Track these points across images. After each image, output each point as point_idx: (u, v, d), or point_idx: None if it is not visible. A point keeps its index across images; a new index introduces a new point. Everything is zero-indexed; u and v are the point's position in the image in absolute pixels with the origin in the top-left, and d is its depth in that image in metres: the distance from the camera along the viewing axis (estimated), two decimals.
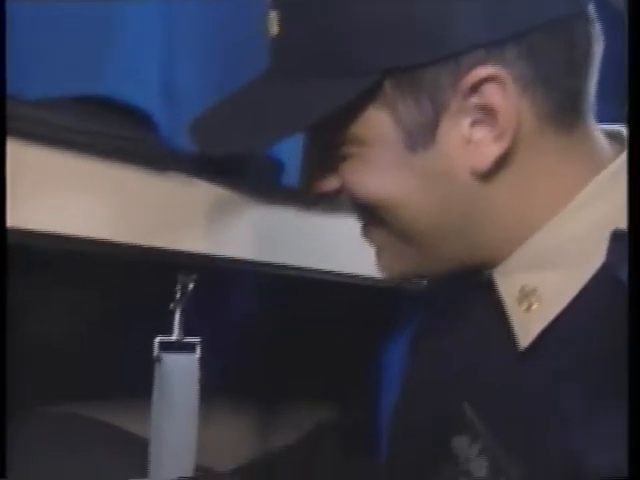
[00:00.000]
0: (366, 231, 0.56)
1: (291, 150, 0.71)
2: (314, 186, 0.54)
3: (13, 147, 0.56)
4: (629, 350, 0.43)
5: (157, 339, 0.70)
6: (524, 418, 0.49)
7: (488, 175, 0.49)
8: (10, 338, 0.95)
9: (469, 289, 0.57)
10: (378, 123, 0.49)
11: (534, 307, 0.49)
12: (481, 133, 0.48)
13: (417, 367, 0.64)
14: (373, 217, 0.53)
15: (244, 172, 0.72)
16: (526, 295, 0.50)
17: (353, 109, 0.49)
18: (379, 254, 0.56)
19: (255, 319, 0.90)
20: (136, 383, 0.73)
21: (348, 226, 0.83)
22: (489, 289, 0.53)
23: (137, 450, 0.98)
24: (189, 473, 0.75)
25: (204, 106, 0.55)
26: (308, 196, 0.56)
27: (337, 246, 0.81)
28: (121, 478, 0.95)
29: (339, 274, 0.81)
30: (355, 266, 0.82)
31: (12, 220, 0.55)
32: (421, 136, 0.49)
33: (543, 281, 0.50)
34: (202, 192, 0.70)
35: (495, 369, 0.52)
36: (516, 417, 0.49)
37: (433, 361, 0.60)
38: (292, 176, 0.73)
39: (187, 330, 0.72)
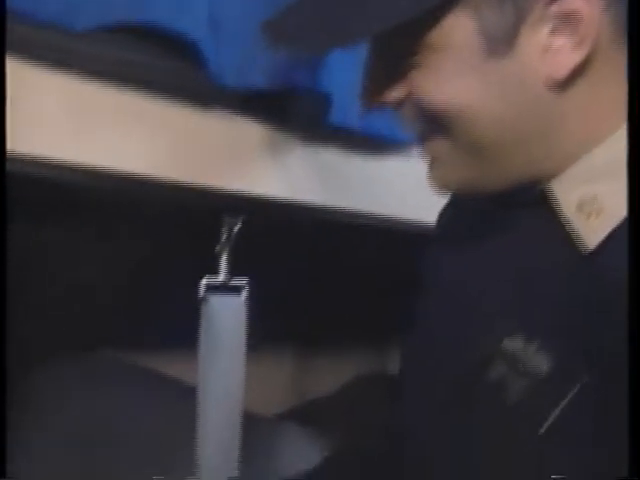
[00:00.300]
0: (426, 142, 0.55)
1: (340, 87, 0.69)
2: (377, 96, 0.53)
3: (63, 81, 0.55)
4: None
5: (203, 280, 0.70)
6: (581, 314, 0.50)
7: (563, 84, 0.49)
8: (53, 281, 0.95)
9: (518, 205, 0.56)
10: (458, 28, 0.49)
11: (595, 215, 0.50)
12: (561, 41, 0.48)
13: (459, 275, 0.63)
14: (438, 127, 0.52)
15: (292, 110, 0.70)
16: (586, 203, 0.50)
17: (435, 14, 0.48)
18: (435, 166, 0.55)
19: (301, 263, 0.89)
20: (183, 326, 0.72)
21: (395, 169, 0.82)
22: (541, 203, 0.53)
23: (184, 396, 0.99)
24: (237, 419, 0.74)
25: (252, 44, 0.54)
26: (369, 106, 0.54)
27: (385, 188, 0.79)
28: (171, 423, 0.96)
29: (387, 219, 0.79)
30: (402, 210, 0.80)
31: (58, 156, 0.55)
32: (501, 42, 0.48)
33: (603, 191, 0.50)
34: (250, 131, 0.68)
35: (552, 273, 0.53)
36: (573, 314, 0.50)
37: (479, 272, 0.59)
38: (341, 114, 0.71)
39: (234, 272, 0.71)
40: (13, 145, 0.52)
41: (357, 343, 1.23)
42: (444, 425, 0.58)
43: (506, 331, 0.52)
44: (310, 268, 0.93)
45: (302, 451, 0.98)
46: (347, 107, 0.69)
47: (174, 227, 0.80)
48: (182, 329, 0.72)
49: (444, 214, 0.68)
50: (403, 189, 0.78)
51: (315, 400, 1.24)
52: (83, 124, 0.58)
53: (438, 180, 0.56)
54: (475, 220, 0.62)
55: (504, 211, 0.58)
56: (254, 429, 0.77)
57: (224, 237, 0.71)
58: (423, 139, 0.55)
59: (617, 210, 0.49)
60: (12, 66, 0.51)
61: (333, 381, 1.23)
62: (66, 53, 0.54)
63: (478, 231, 0.61)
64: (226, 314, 0.70)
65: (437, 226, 0.68)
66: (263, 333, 0.75)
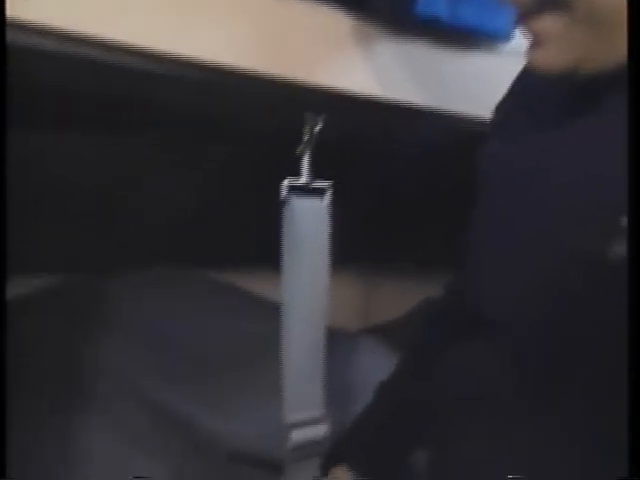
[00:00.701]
0: (533, 19, 0.50)
1: None
2: None
3: None
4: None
5: (285, 181, 0.67)
6: None
7: None
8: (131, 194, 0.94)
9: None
10: None
11: None
12: None
13: None
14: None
15: (380, 1, 0.65)
16: None
17: None
18: (541, 45, 0.50)
19: (385, 167, 0.85)
20: (265, 237, 0.70)
21: (485, 65, 0.76)
22: None
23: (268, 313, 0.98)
24: (320, 333, 0.72)
25: None
26: None
27: (476, 87, 0.73)
28: (256, 340, 0.95)
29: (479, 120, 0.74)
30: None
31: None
32: None
33: None
34: (336, 21, 0.64)
35: None
36: None
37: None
38: (429, 3, 0.66)
39: (316, 175, 0.68)
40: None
41: (429, 265, 1.20)
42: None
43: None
44: (393, 177, 0.88)
45: (381, 364, 0.97)
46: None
47: (253, 129, 0.77)
48: (265, 240, 0.70)
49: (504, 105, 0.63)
50: (493, 87, 0.72)
51: (387, 321, 1.22)
52: (163, 11, 0.55)
53: (543, 61, 0.51)
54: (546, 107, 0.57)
55: (581, 98, 0.53)
56: (334, 341, 0.75)
57: (306, 137, 0.67)
58: (529, 16, 0.50)
59: None
60: None
61: (404, 303, 1.21)
62: None
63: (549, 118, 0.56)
64: (309, 217, 0.67)
65: (496, 117, 0.63)
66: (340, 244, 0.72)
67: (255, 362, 0.94)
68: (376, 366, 0.96)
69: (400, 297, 1.22)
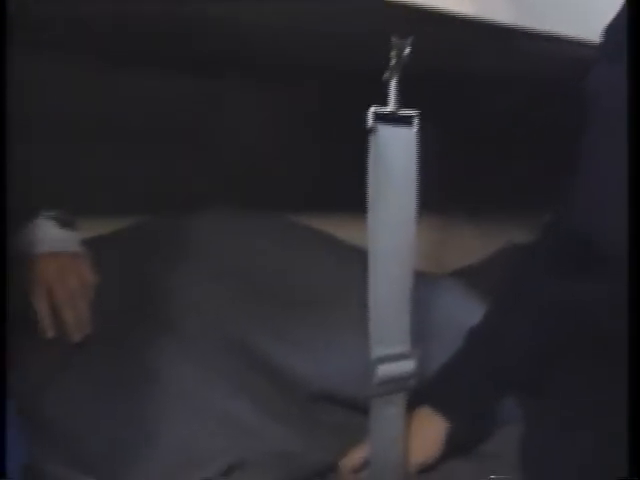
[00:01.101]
0: None
1: None
2: None
3: None
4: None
5: (371, 109, 0.64)
6: None
7: None
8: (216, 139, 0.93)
9: None
10: None
11: None
12: None
13: None
14: None
15: None
16: None
17: None
18: None
19: (475, 97, 0.81)
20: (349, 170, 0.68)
21: None
22: None
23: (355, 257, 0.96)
24: (408, 268, 0.70)
25: None
26: None
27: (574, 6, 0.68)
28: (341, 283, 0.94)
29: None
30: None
31: None
32: None
33: None
34: None
35: None
36: None
37: None
38: None
39: (404, 103, 0.65)
40: None
41: (512, 209, 1.15)
42: None
43: None
44: (483, 109, 0.84)
45: (462, 306, 0.95)
46: None
47: (340, 58, 0.74)
48: (348, 180, 0.68)
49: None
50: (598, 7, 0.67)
51: (467, 265, 1.19)
52: None
53: None
54: None
55: None
56: (419, 284, 0.73)
57: (393, 62, 0.64)
58: None
59: None
60: None
61: (483, 247, 1.17)
62: None
63: None
64: (396, 146, 0.65)
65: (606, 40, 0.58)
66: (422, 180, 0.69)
67: (337, 302, 0.93)
68: (457, 308, 0.94)
69: (480, 241, 1.19)
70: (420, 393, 0.78)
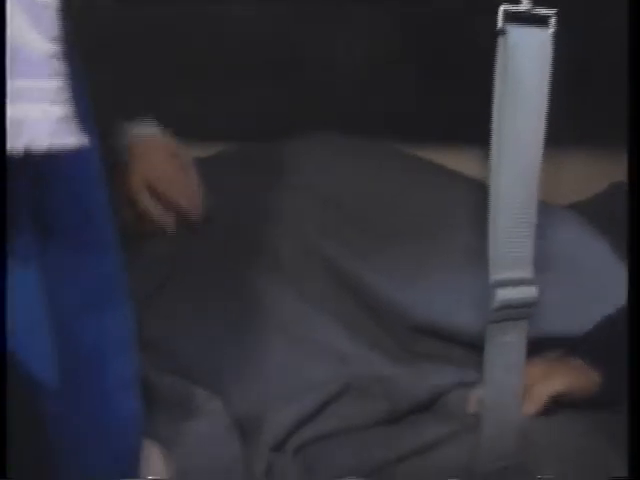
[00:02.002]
0: None
1: None
2: None
3: None
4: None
5: (502, 7, 0.58)
6: None
7: None
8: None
9: None
10: None
11: None
12: None
13: None
14: None
15: None
16: None
17: None
18: None
19: None
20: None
21: None
22: None
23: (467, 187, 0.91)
24: (532, 199, 0.65)
25: None
26: None
27: None
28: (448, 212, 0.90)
29: None
30: None
31: None
32: None
33: None
34: None
35: None
36: None
37: None
38: None
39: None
40: None
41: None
42: None
43: None
44: None
45: (583, 241, 0.90)
46: None
47: None
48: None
49: None
50: None
51: (584, 200, 1.13)
52: None
53: None
54: None
55: None
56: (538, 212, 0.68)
57: None
58: None
59: None
60: None
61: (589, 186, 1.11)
62: None
63: None
64: (528, 48, 0.59)
65: None
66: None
67: (442, 230, 0.89)
68: (574, 241, 0.89)
69: (585, 179, 1.13)
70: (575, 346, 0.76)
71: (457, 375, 0.79)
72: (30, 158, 0.34)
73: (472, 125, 0.93)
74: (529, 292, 0.66)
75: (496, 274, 0.65)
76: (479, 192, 0.67)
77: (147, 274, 0.85)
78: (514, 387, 0.69)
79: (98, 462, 0.53)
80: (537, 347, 0.77)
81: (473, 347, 0.77)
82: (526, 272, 0.66)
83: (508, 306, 0.65)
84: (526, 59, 0.59)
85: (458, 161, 1.02)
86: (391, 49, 1.07)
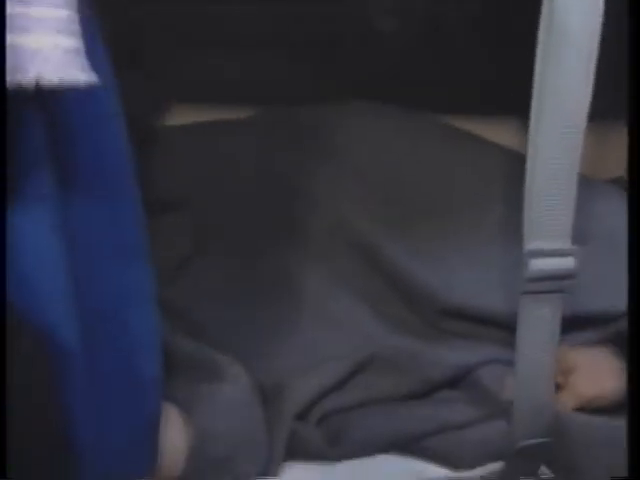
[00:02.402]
0: None
1: None
2: None
3: None
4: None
5: None
6: None
7: None
8: None
9: None
10: None
11: None
12: None
13: None
14: None
15: None
16: None
17: None
18: None
19: None
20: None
21: None
22: None
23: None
24: (574, 169, 0.62)
25: None
26: None
27: None
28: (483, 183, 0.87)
29: None
30: None
31: None
32: None
33: None
34: None
35: None
36: None
37: None
38: None
39: None
40: None
41: None
42: None
43: None
44: None
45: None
46: None
47: None
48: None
49: None
50: None
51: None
52: None
53: None
54: None
55: None
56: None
57: None
58: None
59: None
60: None
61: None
62: None
63: None
64: (578, 7, 0.56)
65: None
66: None
67: (477, 207, 0.86)
68: (614, 216, 0.85)
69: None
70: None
71: (489, 352, 0.76)
72: (40, 92, 0.32)
73: (510, 94, 0.90)
74: (566, 263, 0.63)
75: (531, 243, 0.62)
76: (517, 164, 0.64)
77: (172, 246, 0.84)
78: (547, 364, 0.67)
79: (115, 427, 0.52)
80: (573, 324, 0.74)
81: (508, 328, 0.74)
82: (563, 243, 0.63)
83: (543, 277, 0.63)
84: (574, 16, 0.56)
85: (495, 132, 0.98)
86: (424, 15, 1.03)
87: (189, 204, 0.88)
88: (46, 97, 0.34)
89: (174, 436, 0.61)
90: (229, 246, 0.85)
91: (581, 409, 0.72)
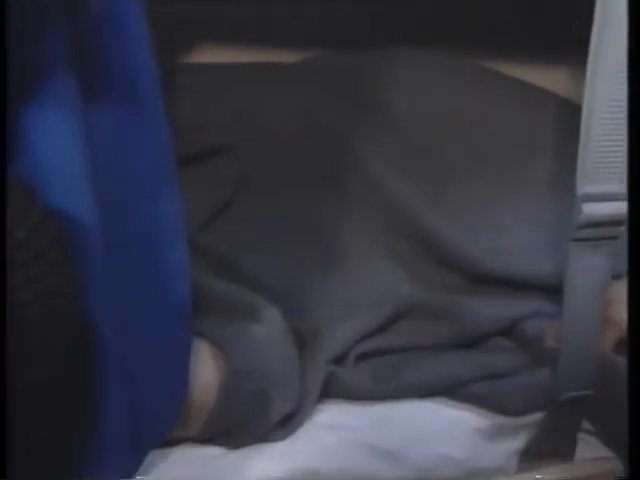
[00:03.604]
0: None
1: None
2: None
3: None
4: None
5: None
6: None
7: None
8: None
9: None
10: None
11: None
12: None
13: None
14: None
15: None
16: None
17: None
18: None
19: None
20: None
21: None
22: None
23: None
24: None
25: None
26: None
27: None
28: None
29: None
30: None
31: None
32: None
33: None
34: None
35: None
36: None
37: None
38: None
39: None
40: None
41: None
42: None
43: None
44: None
45: None
46: None
47: None
48: None
49: None
50: None
51: None
52: None
53: None
54: None
55: None
56: None
57: None
58: None
59: None
60: None
61: None
62: None
63: None
64: None
65: None
66: None
67: (525, 160, 0.82)
68: None
69: None
70: None
71: (533, 304, 0.74)
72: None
73: (559, 41, 0.86)
74: (618, 208, 0.60)
75: (584, 187, 0.60)
76: (568, 111, 0.61)
77: (213, 191, 0.83)
78: (595, 314, 0.65)
79: (146, 352, 0.51)
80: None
81: (553, 290, 0.71)
82: (617, 186, 0.60)
83: (595, 223, 0.60)
84: None
85: (545, 79, 0.95)
86: None
87: (234, 150, 0.86)
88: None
89: (205, 371, 0.60)
90: (268, 195, 0.84)
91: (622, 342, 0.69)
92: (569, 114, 0.60)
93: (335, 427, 0.66)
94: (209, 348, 0.62)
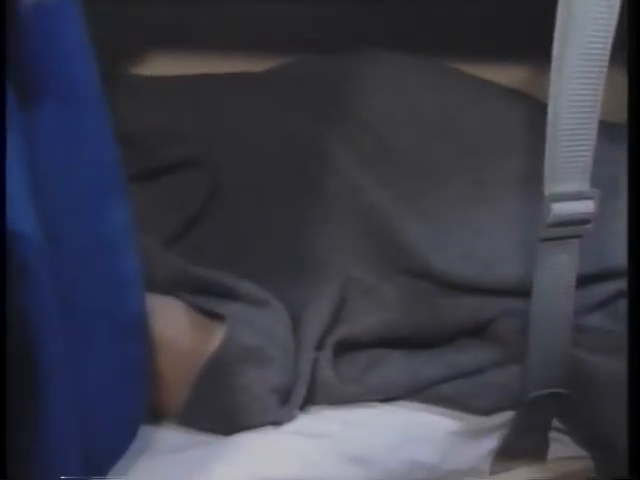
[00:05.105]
0: None
1: None
2: None
3: None
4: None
5: None
6: None
7: None
8: None
9: None
10: None
11: None
12: None
13: None
14: None
15: None
16: None
17: None
18: None
19: None
20: None
21: None
22: None
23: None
24: (594, 112, 0.59)
25: None
26: None
27: None
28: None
29: None
30: None
31: None
32: None
33: None
34: None
35: None
36: None
37: None
38: None
39: None
40: None
41: None
42: None
43: None
44: None
45: None
46: None
47: None
48: None
49: None
50: None
51: None
52: None
53: None
54: None
55: None
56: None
57: None
58: None
59: None
60: None
61: None
62: None
63: None
64: None
65: None
66: None
67: (494, 160, 0.82)
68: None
69: None
70: None
71: (503, 303, 0.74)
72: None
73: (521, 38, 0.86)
74: (586, 207, 0.60)
75: (551, 187, 0.60)
76: (544, 112, 0.61)
77: (180, 204, 0.81)
78: (564, 311, 0.65)
79: (95, 373, 0.50)
80: (598, 280, 0.73)
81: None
82: (584, 185, 0.60)
83: (563, 222, 0.60)
84: None
85: (507, 77, 0.95)
86: None
87: (205, 160, 0.84)
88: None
89: (196, 337, 0.62)
90: (243, 200, 0.82)
91: None
92: (542, 114, 0.59)
93: (305, 433, 0.65)
94: (203, 318, 0.63)
